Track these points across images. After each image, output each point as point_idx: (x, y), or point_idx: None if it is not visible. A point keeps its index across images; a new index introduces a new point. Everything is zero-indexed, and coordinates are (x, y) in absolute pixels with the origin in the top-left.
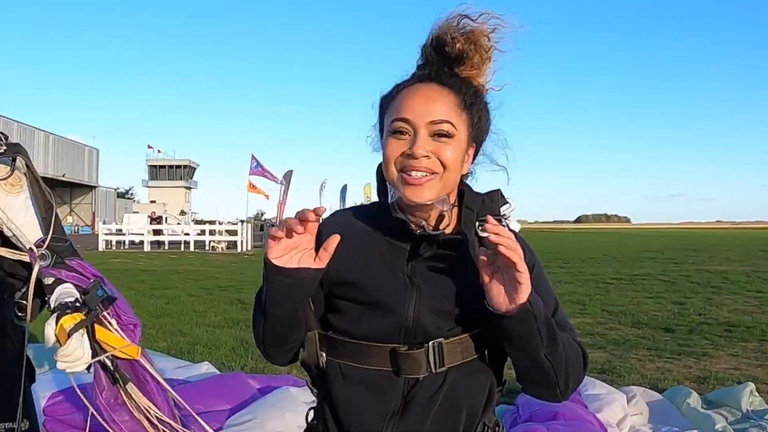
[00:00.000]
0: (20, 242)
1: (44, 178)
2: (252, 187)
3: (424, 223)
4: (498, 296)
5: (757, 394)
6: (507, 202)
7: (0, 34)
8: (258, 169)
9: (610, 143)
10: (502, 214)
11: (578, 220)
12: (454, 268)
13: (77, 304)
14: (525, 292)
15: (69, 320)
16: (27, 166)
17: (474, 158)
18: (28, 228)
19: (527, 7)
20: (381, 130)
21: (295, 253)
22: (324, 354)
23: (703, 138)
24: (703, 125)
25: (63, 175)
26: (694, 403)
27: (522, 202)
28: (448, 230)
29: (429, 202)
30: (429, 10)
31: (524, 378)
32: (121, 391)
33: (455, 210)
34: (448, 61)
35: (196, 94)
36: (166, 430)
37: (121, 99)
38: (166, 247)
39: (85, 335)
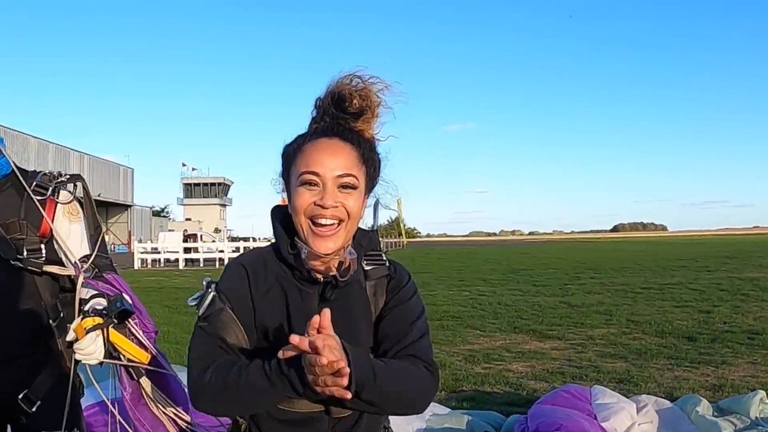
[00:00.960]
0: (68, 260)
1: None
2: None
3: (333, 271)
4: None
5: None
6: (379, 239)
7: (34, 58)
8: None
9: (647, 152)
10: (382, 249)
11: (615, 230)
12: (353, 306)
13: (100, 311)
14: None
15: (89, 321)
16: (85, 189)
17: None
18: (80, 252)
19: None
20: (285, 177)
21: None
22: None
23: (741, 144)
24: (741, 132)
25: (98, 195)
26: (703, 410)
27: (559, 213)
28: (350, 270)
29: (333, 253)
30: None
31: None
32: (139, 386)
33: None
34: (345, 116)
35: (229, 112)
36: (179, 422)
37: (154, 118)
38: (201, 265)
39: (100, 336)
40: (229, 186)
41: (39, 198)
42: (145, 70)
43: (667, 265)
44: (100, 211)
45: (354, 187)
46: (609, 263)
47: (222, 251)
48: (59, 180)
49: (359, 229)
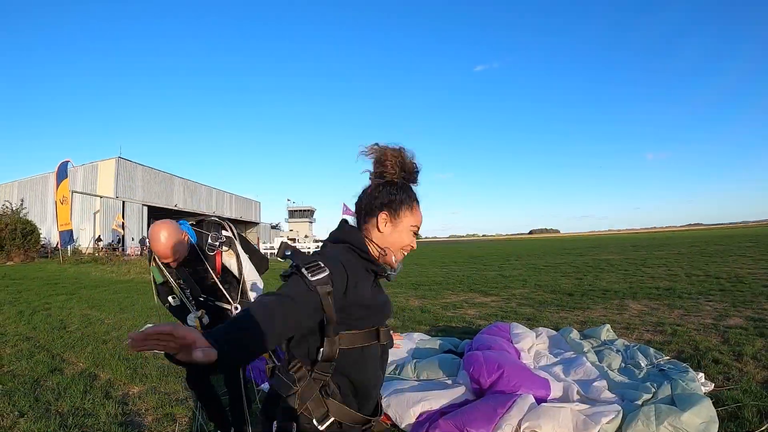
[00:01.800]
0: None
1: (231, 220)
2: None
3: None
4: None
5: (611, 331)
6: None
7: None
8: (348, 211)
9: (550, 186)
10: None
11: (531, 233)
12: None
13: None
14: None
15: None
16: (234, 240)
17: None
18: (235, 270)
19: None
20: (392, 212)
21: None
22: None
23: (604, 180)
24: (602, 173)
25: (240, 217)
26: (574, 336)
27: (499, 222)
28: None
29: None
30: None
31: None
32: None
33: None
34: (413, 184)
35: (319, 168)
36: None
37: (273, 174)
38: None
39: None
40: (313, 211)
41: (211, 254)
42: (271, 145)
43: (559, 253)
44: (240, 227)
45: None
46: (526, 252)
47: (309, 248)
48: (221, 241)
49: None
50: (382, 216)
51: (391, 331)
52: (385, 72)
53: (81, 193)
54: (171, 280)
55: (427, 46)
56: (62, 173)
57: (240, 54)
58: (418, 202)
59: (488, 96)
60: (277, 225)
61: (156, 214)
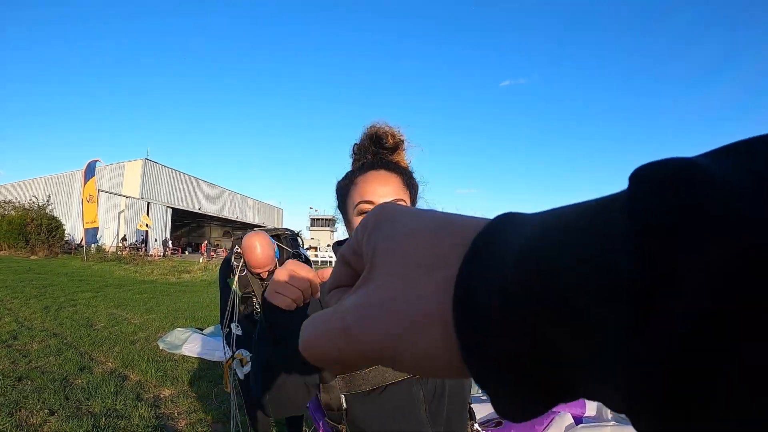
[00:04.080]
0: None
1: (253, 225)
2: None
3: None
4: None
5: None
6: None
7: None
8: None
9: (543, 190)
10: None
11: None
12: None
13: None
14: None
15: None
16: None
17: None
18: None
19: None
20: (342, 209)
21: None
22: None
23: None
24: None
25: (263, 223)
26: None
27: None
28: None
29: None
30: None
31: None
32: None
33: None
34: (384, 151)
35: (335, 172)
36: None
37: (296, 181)
38: (320, 264)
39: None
40: (335, 221)
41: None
42: (293, 151)
43: None
44: None
45: None
46: None
47: (332, 256)
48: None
49: None
50: None
51: None
52: (411, 85)
53: (107, 192)
54: (257, 292)
55: (454, 61)
56: (90, 172)
57: (273, 61)
58: (371, 167)
59: (515, 111)
60: (298, 233)
61: (180, 216)
